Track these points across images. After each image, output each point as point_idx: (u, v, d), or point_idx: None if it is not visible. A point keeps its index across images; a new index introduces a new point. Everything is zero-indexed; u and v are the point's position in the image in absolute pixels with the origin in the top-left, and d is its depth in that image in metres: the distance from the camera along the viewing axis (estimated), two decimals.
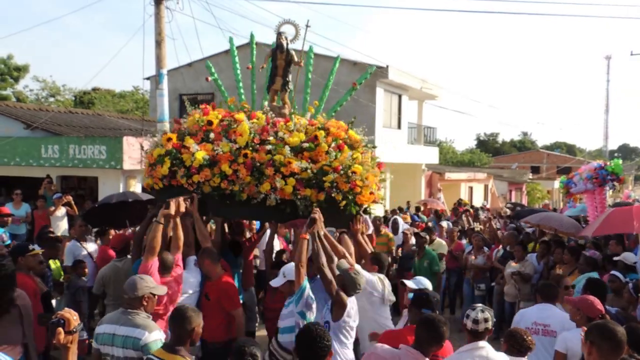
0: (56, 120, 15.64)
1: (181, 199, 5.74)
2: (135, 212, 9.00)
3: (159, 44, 12.60)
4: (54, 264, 8.13)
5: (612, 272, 7.16)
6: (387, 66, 20.34)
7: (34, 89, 39.09)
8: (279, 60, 7.33)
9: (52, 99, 38.92)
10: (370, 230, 6.33)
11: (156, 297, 4.74)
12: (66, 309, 3.03)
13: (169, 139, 6.43)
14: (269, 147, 6.03)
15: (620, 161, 11.20)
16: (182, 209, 5.71)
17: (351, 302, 5.10)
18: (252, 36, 8.23)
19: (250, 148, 6.04)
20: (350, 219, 6.23)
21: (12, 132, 14.37)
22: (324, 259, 5.15)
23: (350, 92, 7.70)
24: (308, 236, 5.26)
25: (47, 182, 13.16)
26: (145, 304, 4.57)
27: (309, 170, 5.86)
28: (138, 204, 9.22)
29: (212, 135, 6.33)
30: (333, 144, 6.12)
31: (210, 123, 6.47)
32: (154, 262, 5.36)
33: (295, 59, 7.37)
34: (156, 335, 4.42)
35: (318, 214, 5.40)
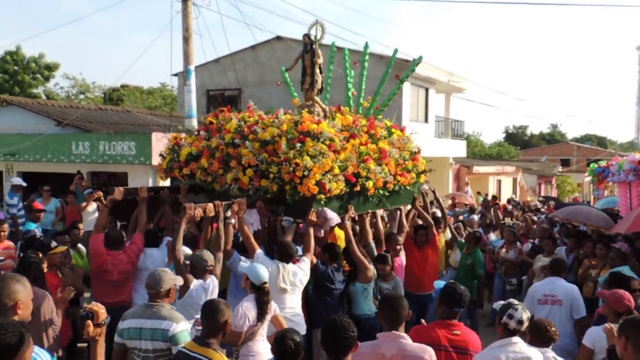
0: (86, 117, 15.85)
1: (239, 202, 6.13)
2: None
3: (186, 40, 12.68)
4: (80, 259, 8.22)
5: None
6: (414, 60, 20.22)
7: (65, 86, 39.75)
8: (306, 60, 7.77)
9: (82, 96, 39.49)
10: (333, 223, 6.42)
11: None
12: (94, 302, 3.08)
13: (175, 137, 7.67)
14: (243, 142, 6.61)
15: None
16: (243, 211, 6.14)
17: (196, 284, 5.40)
18: (332, 45, 8.67)
19: (231, 144, 6.72)
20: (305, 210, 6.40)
21: (44, 129, 14.61)
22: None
23: (397, 86, 8.22)
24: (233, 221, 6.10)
25: (78, 178, 13.33)
26: (170, 295, 4.69)
27: (264, 163, 6.33)
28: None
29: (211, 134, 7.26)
30: (289, 137, 6.50)
31: (211, 123, 7.64)
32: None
33: (320, 58, 7.78)
34: (183, 326, 4.50)
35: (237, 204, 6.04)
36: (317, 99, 7.79)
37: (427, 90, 23.56)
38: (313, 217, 6.29)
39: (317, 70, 7.71)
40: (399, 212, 7.91)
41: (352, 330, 3.63)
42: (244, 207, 6.14)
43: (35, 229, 10.31)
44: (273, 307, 5.31)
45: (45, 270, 5.84)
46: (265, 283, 5.19)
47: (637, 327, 3.38)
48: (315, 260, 6.34)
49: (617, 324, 4.23)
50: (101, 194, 12.38)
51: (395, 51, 8.63)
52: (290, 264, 5.95)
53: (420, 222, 8.30)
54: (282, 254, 5.96)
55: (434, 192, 9.31)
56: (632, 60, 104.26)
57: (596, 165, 11.98)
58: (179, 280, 4.89)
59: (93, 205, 11.85)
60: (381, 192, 6.94)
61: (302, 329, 5.78)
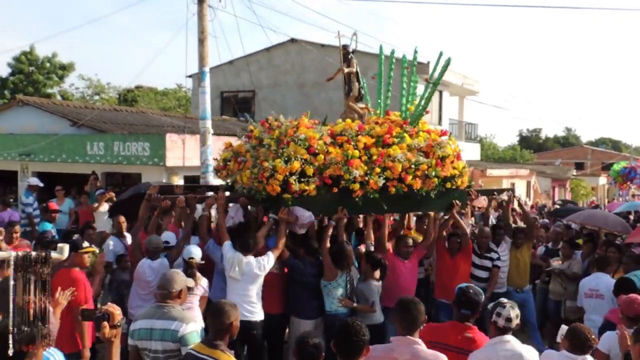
0: (101, 118, 15.95)
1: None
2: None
3: (201, 42, 12.69)
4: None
5: None
6: (428, 62, 20.14)
7: (80, 87, 40.06)
8: (344, 70, 8.18)
9: (96, 97, 39.79)
10: (305, 221, 6.71)
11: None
12: (110, 303, 3.10)
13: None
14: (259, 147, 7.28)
15: None
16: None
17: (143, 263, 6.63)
18: (381, 48, 8.91)
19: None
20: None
21: (59, 129, 14.72)
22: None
23: (433, 89, 8.05)
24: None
25: (93, 179, 13.42)
26: (181, 297, 4.70)
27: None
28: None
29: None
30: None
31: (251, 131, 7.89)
32: None
33: (353, 67, 8.16)
34: (193, 327, 4.52)
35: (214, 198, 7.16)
36: (353, 105, 8.06)
37: (441, 93, 23.52)
38: (283, 214, 6.59)
39: (354, 78, 8.10)
40: (429, 217, 7.82)
41: (363, 334, 3.61)
42: (221, 201, 7.06)
43: (52, 229, 10.39)
44: (203, 284, 6.41)
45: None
46: (191, 258, 6.27)
47: None
48: (287, 254, 6.83)
49: (632, 328, 4.22)
50: (113, 194, 12.54)
51: (416, 52, 8.53)
52: (250, 256, 6.42)
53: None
54: (241, 245, 6.48)
55: (518, 200, 9.43)
56: None
57: (621, 166, 11.89)
58: (190, 282, 4.92)
59: (105, 206, 11.92)
60: (375, 195, 6.85)
61: (257, 316, 6.42)
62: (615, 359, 4.69)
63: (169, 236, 7.29)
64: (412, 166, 6.94)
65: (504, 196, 9.06)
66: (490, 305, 4.56)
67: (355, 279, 7.01)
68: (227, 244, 6.56)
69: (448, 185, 7.24)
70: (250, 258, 6.41)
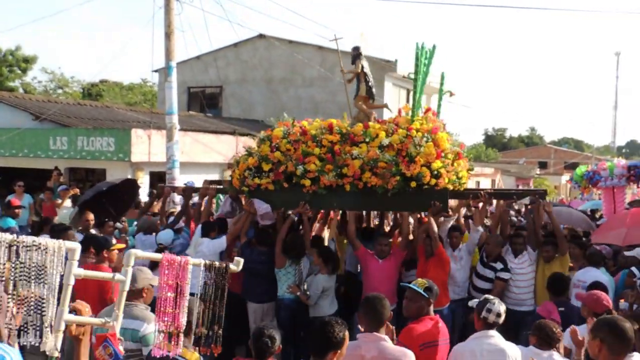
0: (65, 112, 15.65)
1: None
2: (116, 199, 9.50)
3: (168, 36, 12.55)
4: None
5: (632, 268, 7.31)
6: (396, 60, 20.28)
7: (43, 80, 39.25)
8: (359, 69, 8.12)
9: (60, 91, 39.04)
10: (262, 212, 7.23)
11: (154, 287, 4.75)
12: (79, 300, 3.04)
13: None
14: None
15: None
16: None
17: None
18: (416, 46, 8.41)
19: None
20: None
21: (21, 124, 14.39)
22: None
23: (422, 85, 8.04)
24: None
25: (56, 174, 13.18)
26: (144, 295, 4.62)
27: None
28: (115, 191, 9.49)
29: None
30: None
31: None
32: None
33: (358, 68, 8.05)
34: (155, 326, 4.42)
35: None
36: (359, 105, 8.08)
37: (408, 91, 23.65)
38: (245, 205, 7.38)
39: (362, 79, 8.07)
40: (403, 216, 7.72)
41: (336, 331, 3.57)
42: (212, 193, 8.08)
43: (15, 225, 10.18)
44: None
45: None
46: (159, 244, 7.29)
47: (612, 328, 3.39)
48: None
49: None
50: (77, 191, 12.34)
51: (434, 47, 8.45)
52: (206, 238, 7.23)
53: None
54: (202, 228, 7.41)
55: (544, 206, 7.47)
56: (611, 66, 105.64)
57: (585, 169, 11.99)
58: (155, 281, 4.80)
59: (68, 202, 11.73)
60: (323, 191, 7.07)
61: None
62: (575, 355, 4.76)
63: (162, 238, 7.50)
64: (370, 164, 6.92)
65: (526, 200, 8.05)
66: (476, 302, 4.59)
67: None
68: (197, 229, 7.28)
69: (412, 184, 6.85)
70: (205, 240, 7.17)
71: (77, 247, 2.67)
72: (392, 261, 7.30)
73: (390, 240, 7.76)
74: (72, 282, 2.64)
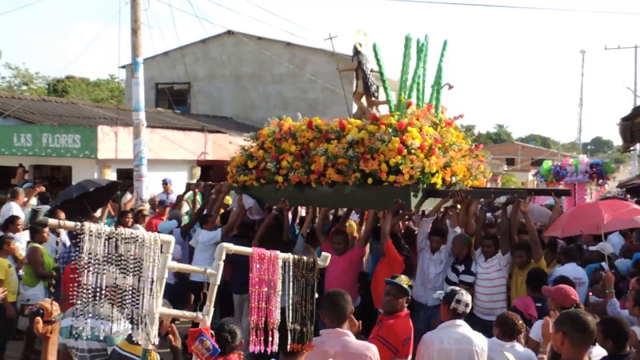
0: (29, 109, 15.36)
1: None
2: (98, 198, 10.09)
3: (135, 31, 12.41)
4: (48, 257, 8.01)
5: (602, 263, 7.46)
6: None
7: (6, 76, 38.43)
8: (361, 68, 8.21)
9: (24, 87, 38.26)
10: (248, 206, 7.82)
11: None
12: (47, 299, 3.01)
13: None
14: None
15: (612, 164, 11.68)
16: None
17: None
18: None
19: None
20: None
21: None
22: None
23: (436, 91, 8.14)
24: None
25: (21, 172, 12.96)
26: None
27: None
28: (99, 190, 9.98)
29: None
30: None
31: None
32: None
33: (354, 65, 8.18)
34: (120, 326, 4.35)
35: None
36: (357, 101, 8.37)
37: (378, 87, 23.73)
38: (238, 200, 7.92)
39: (360, 75, 8.18)
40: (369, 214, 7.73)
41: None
42: (225, 190, 8.52)
43: None
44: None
45: None
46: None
47: (574, 322, 3.46)
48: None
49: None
50: (43, 188, 12.14)
51: (445, 43, 8.43)
52: (203, 230, 8.12)
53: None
54: (199, 220, 8.43)
55: (521, 206, 6.97)
56: (576, 64, 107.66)
57: (550, 164, 12.27)
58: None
59: (34, 200, 11.53)
60: (290, 188, 7.37)
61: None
62: (542, 347, 4.83)
63: (163, 227, 8.48)
64: (332, 160, 6.95)
65: (502, 199, 7.20)
66: (442, 293, 4.70)
67: None
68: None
69: (369, 180, 6.79)
70: (203, 231, 8.10)
71: (172, 240, 2.70)
72: (347, 258, 7.23)
73: (345, 237, 7.60)
74: (166, 275, 2.67)
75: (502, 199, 7.12)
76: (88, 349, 4.34)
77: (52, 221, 2.49)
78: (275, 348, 3.01)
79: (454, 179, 7.19)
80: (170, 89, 24.19)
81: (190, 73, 23.01)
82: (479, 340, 4.47)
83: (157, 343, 2.68)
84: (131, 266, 2.55)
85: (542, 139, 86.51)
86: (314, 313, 3.16)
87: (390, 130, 7.01)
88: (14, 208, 10.68)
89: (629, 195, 17.55)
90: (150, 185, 12.78)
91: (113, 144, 13.16)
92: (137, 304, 2.56)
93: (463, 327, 4.51)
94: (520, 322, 4.71)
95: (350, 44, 8.15)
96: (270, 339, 2.96)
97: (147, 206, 11.44)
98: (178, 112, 21.73)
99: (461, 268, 6.95)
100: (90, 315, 2.56)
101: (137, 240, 2.56)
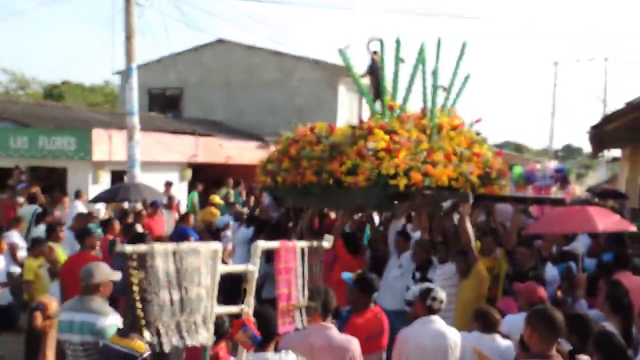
0: (25, 112, 15.23)
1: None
2: None
3: (128, 38, 12.38)
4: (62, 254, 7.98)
5: (570, 263, 7.47)
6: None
7: (3, 81, 38.01)
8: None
9: (21, 92, 37.88)
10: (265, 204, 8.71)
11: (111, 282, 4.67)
12: (47, 295, 3.02)
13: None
14: None
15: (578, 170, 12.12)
16: None
17: None
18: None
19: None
20: None
21: None
22: None
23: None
24: None
25: (18, 173, 12.86)
26: (101, 290, 4.51)
27: None
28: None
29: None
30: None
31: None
32: None
33: (365, 72, 8.31)
34: (112, 320, 4.32)
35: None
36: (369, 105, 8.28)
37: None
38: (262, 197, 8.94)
39: (373, 82, 8.26)
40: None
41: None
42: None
43: None
44: None
45: None
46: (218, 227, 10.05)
47: (542, 317, 3.52)
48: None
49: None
50: (38, 189, 12.04)
51: (464, 45, 8.29)
52: (241, 227, 8.79)
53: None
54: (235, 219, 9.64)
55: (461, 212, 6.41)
56: (549, 75, 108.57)
57: (521, 170, 12.48)
58: (116, 276, 4.70)
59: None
60: (284, 188, 7.68)
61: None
62: (514, 341, 4.88)
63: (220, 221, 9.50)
64: (310, 163, 7.09)
65: (448, 204, 6.52)
66: (417, 291, 4.68)
67: None
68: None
69: (330, 181, 6.83)
70: (241, 228, 8.78)
71: (220, 246, 2.88)
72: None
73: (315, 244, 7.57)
74: (218, 278, 2.80)
75: (448, 203, 6.50)
76: (81, 342, 4.30)
77: (128, 249, 2.60)
78: (296, 326, 3.31)
79: (427, 182, 6.67)
80: (162, 94, 24.12)
81: (182, 79, 22.98)
82: (453, 335, 4.51)
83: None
84: (194, 277, 2.66)
85: (517, 145, 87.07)
86: (320, 291, 3.41)
87: (359, 133, 7.14)
88: (79, 206, 11.28)
89: (597, 199, 17.75)
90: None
91: (107, 146, 13.09)
92: (201, 307, 2.67)
93: (438, 322, 4.53)
94: (498, 315, 4.74)
95: (338, 53, 8.06)
96: (291, 319, 3.24)
97: (138, 206, 11.41)
98: (170, 117, 21.65)
99: (418, 275, 6.49)
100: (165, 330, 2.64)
101: (196, 252, 2.68)
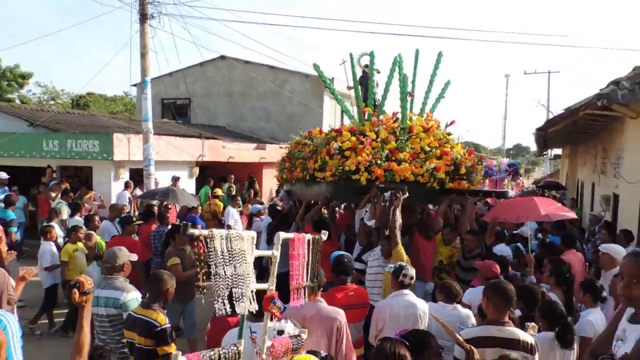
0: (56, 119, 15.03)
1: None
2: None
3: (143, 56, 12.28)
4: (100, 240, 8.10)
5: (518, 244, 7.63)
6: (332, 78, 20.37)
7: (37, 93, 37.57)
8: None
9: (52, 102, 37.46)
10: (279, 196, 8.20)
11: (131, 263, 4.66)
12: (83, 274, 3.02)
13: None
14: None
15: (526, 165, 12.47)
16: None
17: None
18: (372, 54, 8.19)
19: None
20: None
21: (17, 129, 13.74)
22: None
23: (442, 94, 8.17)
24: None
25: (50, 171, 12.74)
26: (124, 270, 4.53)
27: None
28: None
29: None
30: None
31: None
32: None
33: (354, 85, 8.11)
34: (133, 295, 4.36)
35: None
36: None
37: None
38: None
39: (363, 92, 8.12)
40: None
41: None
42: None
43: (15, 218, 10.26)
44: None
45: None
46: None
47: (495, 289, 3.55)
48: None
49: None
50: (67, 185, 11.94)
51: (440, 54, 8.13)
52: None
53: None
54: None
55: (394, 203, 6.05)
56: (502, 85, 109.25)
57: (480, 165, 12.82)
58: (134, 257, 4.71)
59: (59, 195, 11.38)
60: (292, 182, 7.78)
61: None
62: (474, 310, 4.91)
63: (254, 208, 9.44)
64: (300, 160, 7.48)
65: (387, 195, 6.25)
66: (393, 268, 4.67)
67: None
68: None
69: (307, 177, 7.15)
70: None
71: (254, 234, 2.91)
72: None
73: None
74: (252, 259, 2.85)
75: (388, 195, 6.19)
76: (106, 315, 4.30)
77: (195, 231, 2.68)
78: (302, 302, 3.39)
79: (389, 177, 6.57)
80: (173, 103, 23.96)
81: (190, 90, 22.83)
82: (422, 305, 4.54)
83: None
84: (239, 257, 2.72)
85: (474, 145, 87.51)
86: (320, 274, 3.46)
87: (331, 135, 7.32)
88: (126, 195, 11.90)
89: (542, 190, 17.93)
90: (159, 181, 12.77)
91: (126, 148, 12.98)
92: (244, 283, 2.73)
93: (409, 295, 4.56)
94: (459, 288, 4.77)
95: (313, 67, 8.12)
96: (299, 295, 3.29)
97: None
98: (180, 122, 21.51)
99: (356, 254, 6.46)
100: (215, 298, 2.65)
101: (240, 237, 2.75)
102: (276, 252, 3.03)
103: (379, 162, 6.66)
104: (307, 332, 3.56)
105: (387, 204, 6.13)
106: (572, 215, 7.06)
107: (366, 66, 8.11)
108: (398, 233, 5.71)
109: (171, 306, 5.54)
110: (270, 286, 3.01)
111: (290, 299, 3.28)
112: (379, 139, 7.03)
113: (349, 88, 8.25)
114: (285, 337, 3.26)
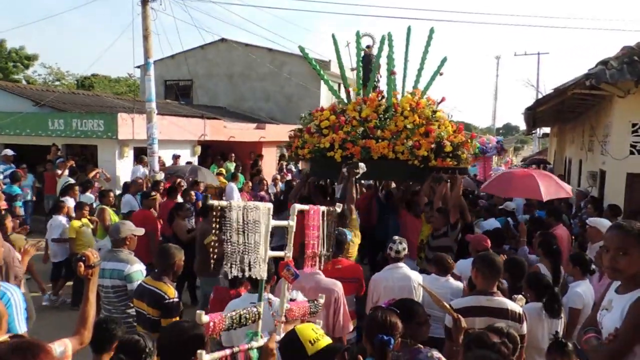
0: (61, 99, 14.88)
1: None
2: None
3: (145, 38, 12.08)
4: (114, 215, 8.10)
5: (507, 218, 7.68)
6: (330, 60, 20.15)
7: (42, 74, 37.13)
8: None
9: (57, 83, 37.06)
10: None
11: (136, 237, 4.63)
12: (89, 248, 3.00)
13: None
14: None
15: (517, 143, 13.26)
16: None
17: None
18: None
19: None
20: None
21: (24, 109, 13.58)
22: None
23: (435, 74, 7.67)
24: None
25: (54, 149, 12.65)
26: (128, 243, 4.51)
27: None
28: None
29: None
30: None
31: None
32: None
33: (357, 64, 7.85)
34: (137, 267, 4.36)
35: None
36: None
37: (339, 85, 23.61)
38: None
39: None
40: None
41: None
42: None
43: (22, 193, 10.36)
44: None
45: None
46: None
47: (483, 261, 3.53)
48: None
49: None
50: (73, 162, 11.87)
51: (432, 30, 7.67)
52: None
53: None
54: None
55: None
56: (493, 66, 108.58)
57: (477, 143, 13.30)
58: (139, 231, 4.67)
59: (66, 172, 11.31)
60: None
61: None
62: (465, 280, 4.92)
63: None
64: None
65: (345, 171, 6.07)
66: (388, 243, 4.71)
67: None
68: None
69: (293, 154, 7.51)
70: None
71: (271, 205, 2.90)
72: None
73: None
74: (268, 229, 2.85)
75: (345, 171, 6.02)
76: (111, 286, 4.30)
77: (214, 203, 2.65)
78: (315, 269, 3.31)
79: (364, 154, 6.42)
80: (176, 84, 23.76)
81: (192, 72, 22.58)
82: (416, 277, 4.54)
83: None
84: (254, 227, 2.75)
85: (465, 125, 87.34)
86: (332, 244, 3.40)
87: (315, 115, 7.38)
88: (141, 170, 11.98)
89: (534, 166, 17.95)
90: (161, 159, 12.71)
91: (130, 127, 12.87)
92: (258, 250, 2.77)
93: (403, 268, 4.55)
94: (451, 260, 4.77)
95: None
96: (314, 262, 3.25)
97: (159, 175, 11.32)
98: (182, 103, 21.35)
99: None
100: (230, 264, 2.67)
101: (257, 208, 2.76)
102: (292, 223, 3.06)
103: (354, 139, 6.50)
104: (324, 297, 3.50)
105: (346, 177, 5.96)
106: (568, 192, 7.12)
107: (367, 47, 7.88)
108: (352, 207, 5.67)
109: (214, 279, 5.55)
110: (287, 254, 3.03)
111: (304, 266, 3.27)
112: (360, 118, 6.86)
113: (352, 69, 8.08)
114: (304, 300, 3.24)
